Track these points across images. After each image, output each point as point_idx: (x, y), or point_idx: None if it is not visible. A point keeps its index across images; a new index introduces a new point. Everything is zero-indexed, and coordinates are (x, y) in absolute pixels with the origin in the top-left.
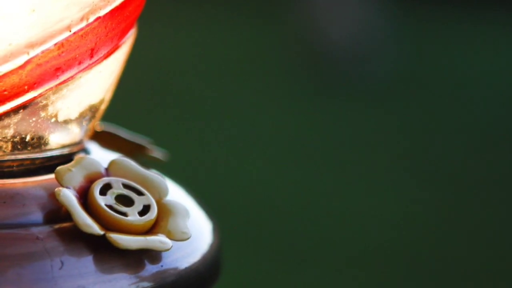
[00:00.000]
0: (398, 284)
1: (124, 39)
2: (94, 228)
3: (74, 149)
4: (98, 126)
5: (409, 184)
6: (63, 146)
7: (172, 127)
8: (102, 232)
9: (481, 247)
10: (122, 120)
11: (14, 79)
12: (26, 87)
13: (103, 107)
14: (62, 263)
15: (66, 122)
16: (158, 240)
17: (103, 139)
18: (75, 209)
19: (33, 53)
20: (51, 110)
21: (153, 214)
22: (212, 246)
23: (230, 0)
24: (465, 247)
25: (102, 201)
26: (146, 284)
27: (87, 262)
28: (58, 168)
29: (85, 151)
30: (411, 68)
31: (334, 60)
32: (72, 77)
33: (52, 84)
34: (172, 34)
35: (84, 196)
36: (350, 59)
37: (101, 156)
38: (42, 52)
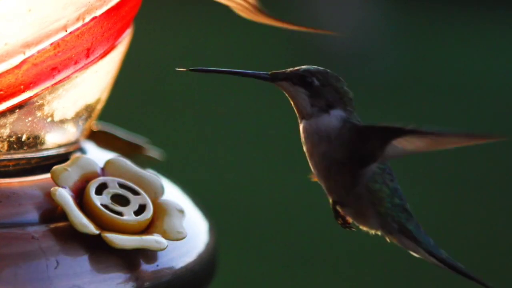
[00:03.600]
0: (397, 283)
1: (120, 39)
2: (90, 227)
3: (70, 148)
4: (94, 125)
5: (408, 184)
6: (59, 146)
7: (169, 127)
8: (97, 232)
9: (480, 247)
10: (118, 119)
11: (10, 78)
12: (22, 86)
13: (99, 106)
14: (58, 262)
15: (62, 121)
16: (153, 239)
17: (99, 138)
18: (71, 208)
19: (29, 52)
20: (47, 109)
21: (148, 213)
22: (208, 246)
23: None
24: (463, 247)
25: (97, 200)
26: (141, 283)
27: (83, 261)
28: (54, 167)
29: (81, 150)
30: (411, 68)
31: (334, 59)
32: (68, 77)
33: (48, 83)
34: (170, 34)
35: (80, 196)
36: (350, 59)
37: (97, 156)
38: (38, 52)
